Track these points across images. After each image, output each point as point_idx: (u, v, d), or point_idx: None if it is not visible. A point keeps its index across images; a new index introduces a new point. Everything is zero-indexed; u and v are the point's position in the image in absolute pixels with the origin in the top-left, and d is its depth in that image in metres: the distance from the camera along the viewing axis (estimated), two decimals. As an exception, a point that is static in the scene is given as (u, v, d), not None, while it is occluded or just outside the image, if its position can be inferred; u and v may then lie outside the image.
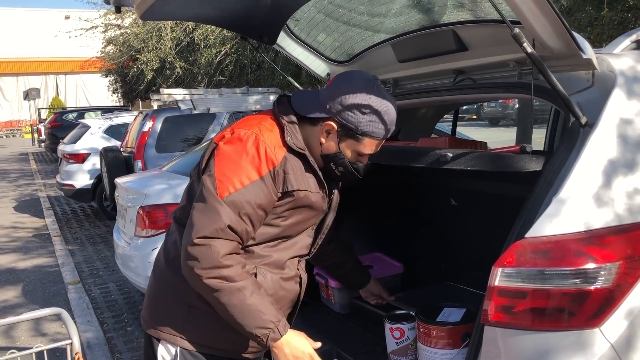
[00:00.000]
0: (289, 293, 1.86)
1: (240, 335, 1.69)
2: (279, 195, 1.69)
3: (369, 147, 1.76)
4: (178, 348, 1.76)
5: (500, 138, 13.12)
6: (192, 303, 1.72)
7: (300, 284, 1.92)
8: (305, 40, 2.72)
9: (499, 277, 1.53)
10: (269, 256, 1.78)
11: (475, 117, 25.10)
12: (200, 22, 2.77)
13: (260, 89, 9.86)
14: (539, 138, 5.78)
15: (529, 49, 1.59)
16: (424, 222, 3.22)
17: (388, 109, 1.71)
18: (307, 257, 1.95)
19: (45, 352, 1.80)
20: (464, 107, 23.60)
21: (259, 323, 1.62)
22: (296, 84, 3.07)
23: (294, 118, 1.76)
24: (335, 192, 1.95)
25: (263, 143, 1.65)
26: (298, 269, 1.90)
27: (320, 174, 1.77)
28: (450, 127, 4.15)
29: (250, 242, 1.73)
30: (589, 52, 1.70)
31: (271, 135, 1.69)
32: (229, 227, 1.59)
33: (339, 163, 1.77)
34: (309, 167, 1.75)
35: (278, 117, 1.75)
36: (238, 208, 1.61)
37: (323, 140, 1.76)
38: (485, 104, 23.29)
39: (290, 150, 1.71)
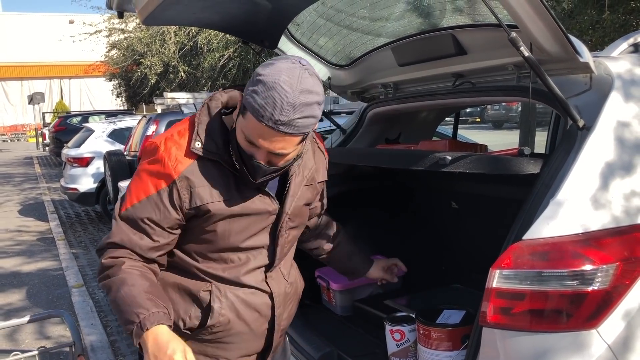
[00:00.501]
0: (255, 310, 1.68)
1: (209, 347, 1.65)
2: (188, 210, 1.53)
3: (250, 127, 1.41)
4: None
5: (504, 141, 13.10)
6: None
7: (271, 297, 1.71)
8: (306, 44, 2.74)
9: (496, 279, 1.55)
10: (222, 273, 1.63)
11: (478, 120, 25.08)
12: (202, 27, 2.80)
13: (263, 92, 9.87)
14: (542, 141, 5.79)
15: (526, 53, 1.61)
16: (425, 224, 3.23)
17: (278, 84, 1.36)
18: (273, 267, 1.70)
19: (48, 354, 1.82)
20: (467, 110, 23.60)
21: (126, 317, 1.45)
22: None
23: (215, 117, 1.56)
24: (293, 187, 1.67)
25: (164, 154, 1.51)
26: (267, 282, 1.69)
27: (244, 174, 1.51)
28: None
29: (193, 261, 1.62)
30: (585, 55, 1.71)
31: (176, 145, 1.52)
32: (117, 242, 1.54)
33: (233, 144, 1.50)
34: (227, 172, 1.55)
35: (193, 120, 1.57)
36: (131, 223, 1.53)
37: (234, 117, 1.54)
38: (488, 107, 23.27)
39: (200, 157, 1.52)
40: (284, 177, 1.67)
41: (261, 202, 1.60)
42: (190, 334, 1.63)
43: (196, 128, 1.52)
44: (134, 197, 1.54)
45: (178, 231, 1.58)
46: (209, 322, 1.61)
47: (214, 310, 1.61)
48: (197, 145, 1.50)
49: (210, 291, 1.62)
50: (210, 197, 1.52)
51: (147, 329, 1.41)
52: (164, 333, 1.43)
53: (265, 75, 1.37)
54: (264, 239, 1.66)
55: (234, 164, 1.52)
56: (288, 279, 1.77)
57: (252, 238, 1.63)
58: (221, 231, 1.57)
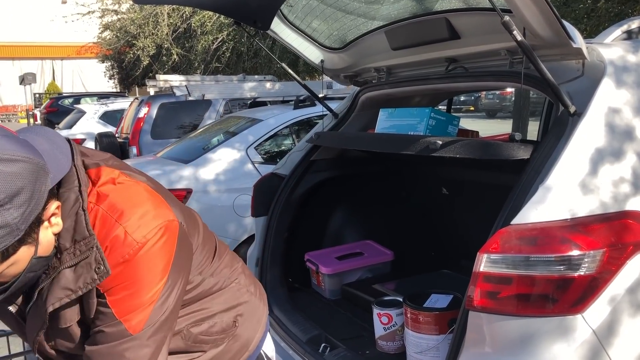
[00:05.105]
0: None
1: None
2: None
3: None
4: None
5: (497, 130, 13.12)
6: None
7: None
8: (299, 26, 2.71)
9: (484, 263, 1.55)
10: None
11: (472, 108, 25.03)
12: (193, 7, 2.77)
13: (256, 76, 9.85)
14: (535, 130, 5.80)
15: (519, 37, 1.60)
16: (415, 210, 3.24)
17: None
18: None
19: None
20: (462, 99, 23.54)
21: None
22: (291, 72, 3.06)
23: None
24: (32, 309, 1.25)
25: None
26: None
27: None
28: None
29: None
30: (578, 41, 1.71)
31: None
32: None
33: None
34: None
35: None
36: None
37: None
38: (482, 95, 23.26)
39: None
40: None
41: (13, 319, 1.32)
42: None
43: None
44: None
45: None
46: None
47: None
48: None
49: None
50: None
51: None
52: None
53: None
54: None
55: None
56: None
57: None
58: None
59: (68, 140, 1.24)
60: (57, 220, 1.13)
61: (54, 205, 1.11)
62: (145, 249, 1.14)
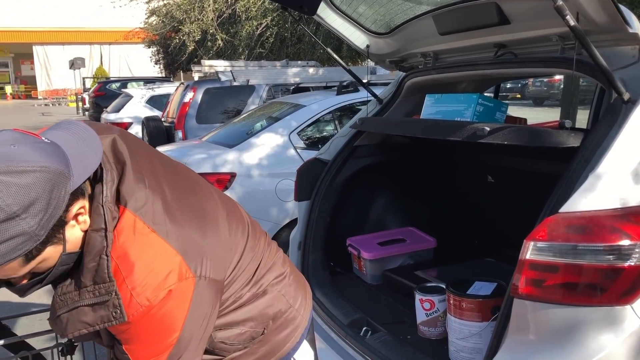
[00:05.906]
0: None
1: None
2: None
3: None
4: None
5: (544, 118, 12.79)
6: None
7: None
8: (346, 11, 2.71)
9: (530, 251, 1.54)
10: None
11: (519, 96, 24.47)
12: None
13: (299, 62, 9.89)
14: (583, 119, 5.65)
15: (572, 22, 1.56)
16: (459, 198, 3.21)
17: None
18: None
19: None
20: (508, 86, 23.00)
21: None
22: (337, 57, 3.07)
23: None
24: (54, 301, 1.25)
25: None
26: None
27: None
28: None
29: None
30: (635, 26, 1.66)
31: None
32: None
33: None
34: None
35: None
36: None
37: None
38: (530, 83, 22.69)
39: None
40: None
41: None
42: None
43: None
44: None
45: None
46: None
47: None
48: None
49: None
50: None
51: None
52: None
53: None
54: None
55: None
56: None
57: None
58: None
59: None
60: (85, 218, 1.15)
61: (77, 206, 1.12)
62: (151, 312, 1.14)
